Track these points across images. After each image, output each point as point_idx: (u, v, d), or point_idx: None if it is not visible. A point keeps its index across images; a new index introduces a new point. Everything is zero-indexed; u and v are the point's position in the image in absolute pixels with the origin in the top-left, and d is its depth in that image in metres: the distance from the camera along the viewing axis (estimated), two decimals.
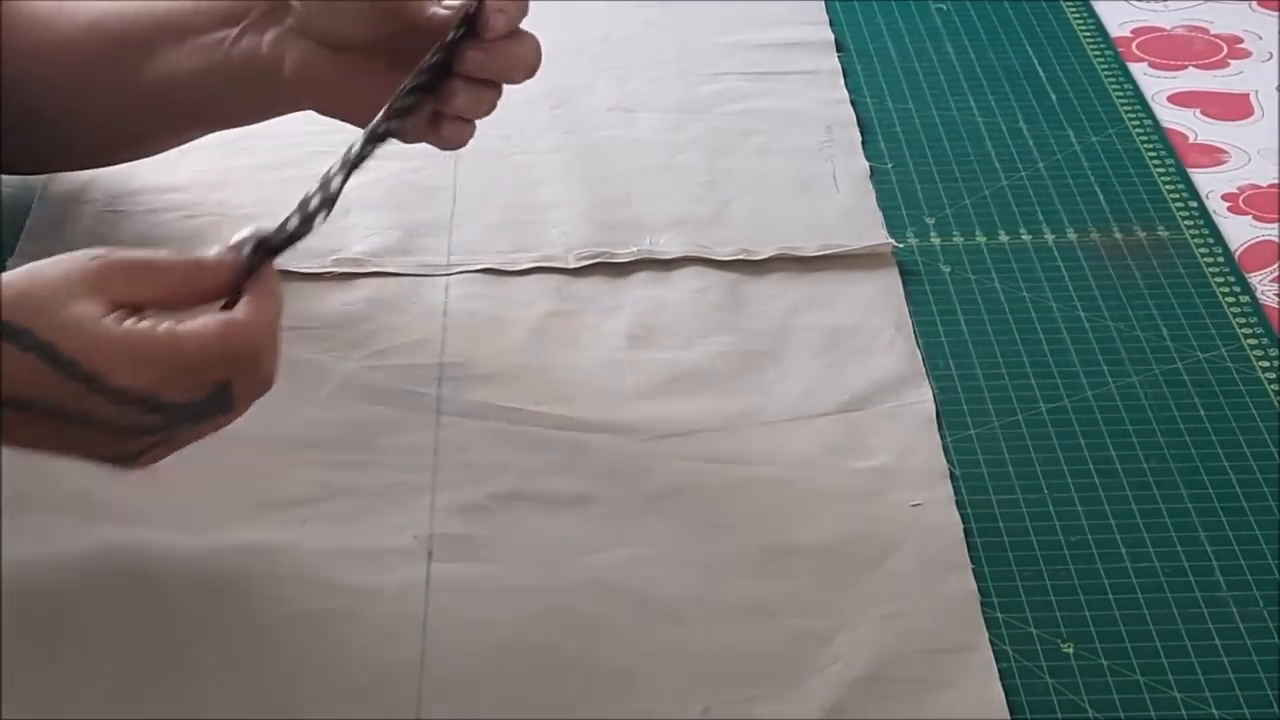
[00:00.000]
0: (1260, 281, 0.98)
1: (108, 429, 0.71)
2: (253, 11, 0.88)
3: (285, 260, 0.96)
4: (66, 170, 1.01)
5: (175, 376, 0.70)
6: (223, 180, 1.03)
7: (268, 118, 0.93)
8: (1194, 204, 1.04)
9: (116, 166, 0.99)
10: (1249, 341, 0.93)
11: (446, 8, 0.85)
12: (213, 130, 0.96)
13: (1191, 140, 1.11)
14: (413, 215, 1.01)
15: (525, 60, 0.85)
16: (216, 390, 0.72)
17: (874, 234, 1.00)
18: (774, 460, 0.84)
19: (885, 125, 1.11)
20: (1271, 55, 1.21)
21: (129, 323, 0.70)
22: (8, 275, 0.72)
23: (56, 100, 0.93)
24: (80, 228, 0.98)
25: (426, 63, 0.81)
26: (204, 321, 0.71)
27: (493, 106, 0.86)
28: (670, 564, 0.78)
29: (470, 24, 0.82)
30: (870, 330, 0.93)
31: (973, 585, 0.77)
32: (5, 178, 1.00)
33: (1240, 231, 1.02)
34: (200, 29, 0.89)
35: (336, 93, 0.87)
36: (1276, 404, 0.89)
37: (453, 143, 0.87)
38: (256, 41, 0.88)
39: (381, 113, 0.79)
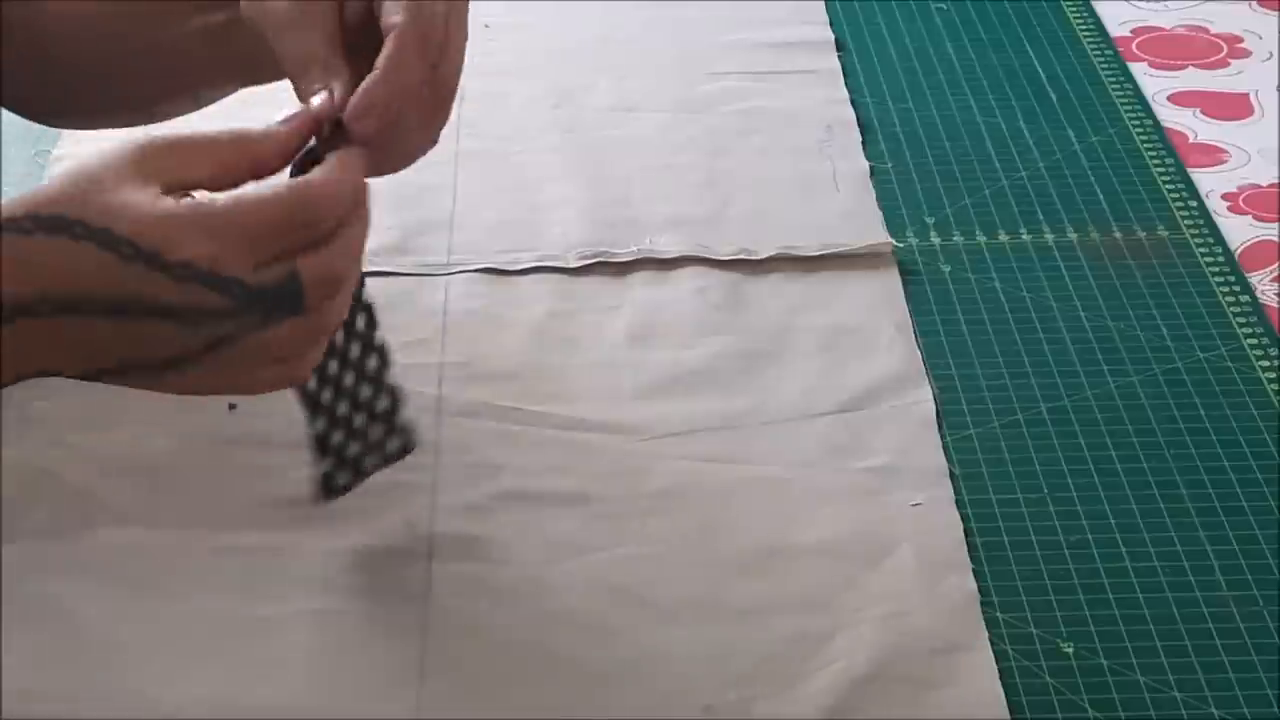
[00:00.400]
0: (1260, 281, 0.98)
1: (170, 318, 0.67)
2: None
3: None
4: (78, 125, 0.98)
5: (240, 246, 0.66)
6: None
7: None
8: (1194, 203, 1.04)
9: None
10: (1249, 341, 0.93)
11: None
12: (228, 89, 0.92)
13: (1191, 140, 1.11)
14: (413, 215, 1.01)
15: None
16: (287, 279, 0.67)
17: (874, 234, 1.00)
18: (774, 460, 0.84)
19: (885, 125, 1.11)
20: (1271, 55, 1.21)
21: (186, 198, 0.67)
22: (50, 180, 0.68)
23: (70, 49, 0.92)
24: None
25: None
26: (267, 185, 0.67)
27: None
28: (670, 564, 0.78)
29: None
30: (870, 330, 0.93)
31: (973, 585, 0.77)
32: (5, 177, 0.99)
33: (1240, 231, 1.02)
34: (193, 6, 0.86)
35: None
36: (1276, 404, 0.89)
37: None
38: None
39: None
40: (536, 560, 0.78)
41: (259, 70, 0.84)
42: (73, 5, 0.90)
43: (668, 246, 0.99)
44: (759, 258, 0.98)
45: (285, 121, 0.71)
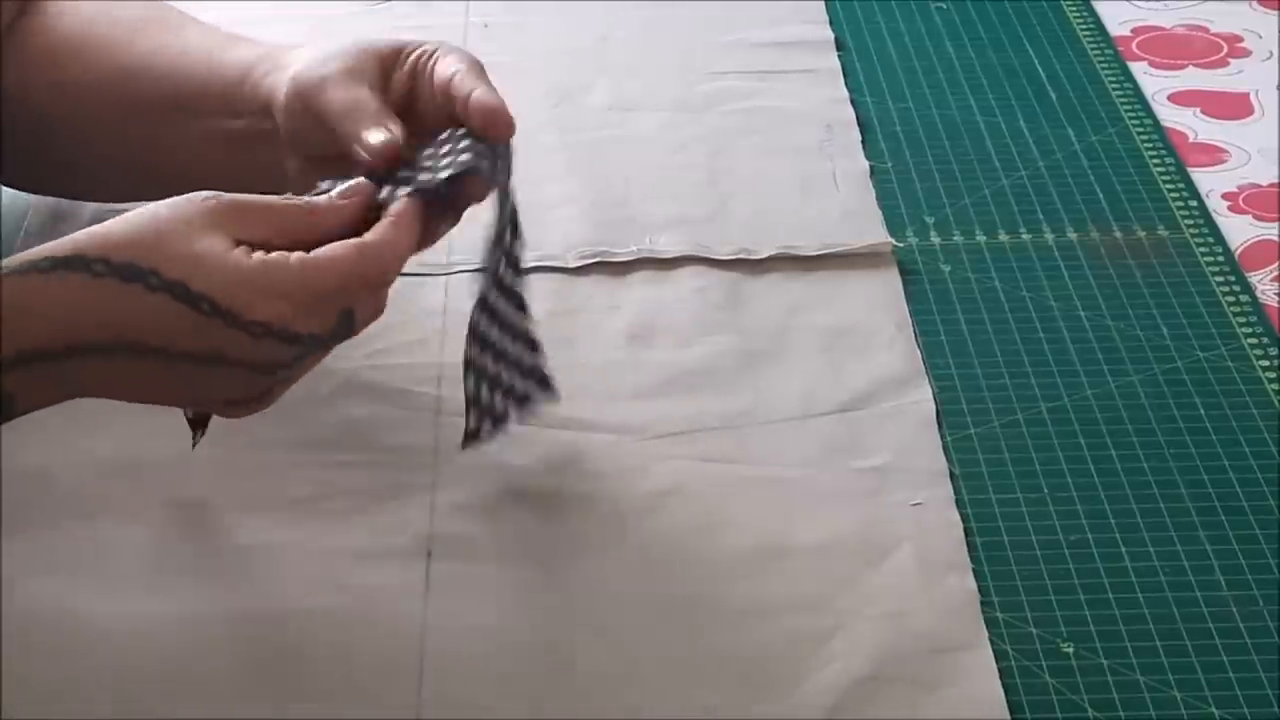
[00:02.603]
0: (1260, 281, 0.98)
1: (242, 366, 0.69)
2: (253, 105, 0.86)
3: None
4: (61, 196, 1.00)
5: (312, 305, 0.70)
6: None
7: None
8: (1194, 203, 1.04)
9: None
10: (1249, 341, 0.93)
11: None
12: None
13: (1191, 139, 1.11)
14: None
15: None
16: (343, 316, 0.71)
17: (874, 233, 1.00)
18: (774, 460, 0.84)
19: (885, 124, 1.11)
20: (1271, 54, 1.21)
21: (258, 255, 0.69)
22: (114, 220, 0.70)
23: (64, 136, 0.93)
24: (80, 227, 0.98)
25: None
26: (336, 247, 0.70)
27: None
28: (670, 564, 0.78)
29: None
30: (870, 330, 0.93)
31: (973, 585, 0.77)
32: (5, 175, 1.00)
33: (1240, 231, 1.02)
34: (207, 111, 0.88)
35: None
36: (1276, 403, 0.89)
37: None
38: (259, 128, 0.86)
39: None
40: (536, 560, 0.78)
41: (276, 181, 0.86)
42: (86, 103, 0.91)
43: (667, 246, 0.98)
44: (759, 257, 0.98)
45: (346, 194, 0.74)
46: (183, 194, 0.87)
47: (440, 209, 0.78)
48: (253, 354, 0.69)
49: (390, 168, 0.76)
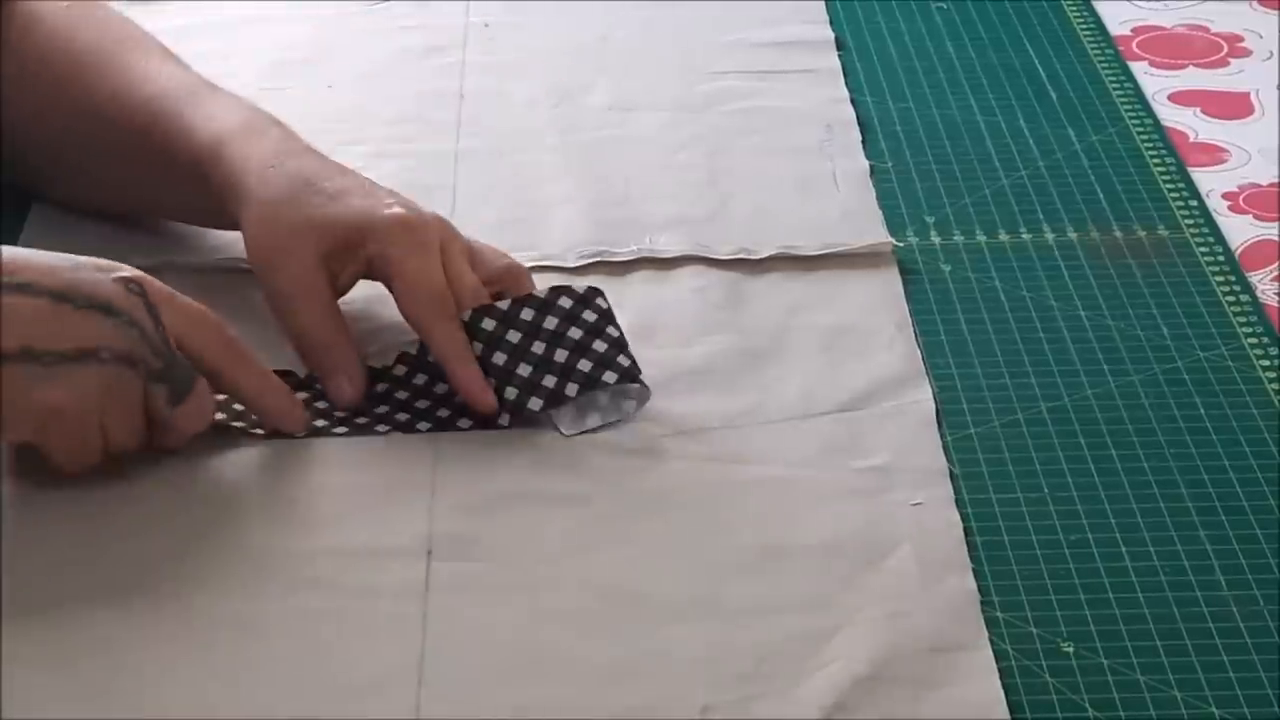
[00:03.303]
0: (1260, 280, 0.98)
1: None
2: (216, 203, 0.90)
3: None
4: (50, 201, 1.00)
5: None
6: None
7: None
8: (1194, 203, 1.04)
9: None
10: (1249, 340, 0.93)
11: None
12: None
13: (1192, 139, 1.11)
14: None
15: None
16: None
17: (874, 233, 1.00)
18: (774, 459, 0.84)
19: (885, 124, 1.11)
20: (1272, 54, 1.21)
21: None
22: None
23: (33, 153, 0.96)
24: (80, 227, 0.98)
25: None
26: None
27: None
28: (670, 564, 0.78)
29: None
30: (870, 329, 0.93)
31: (973, 584, 0.77)
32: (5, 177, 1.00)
33: (1240, 230, 1.02)
34: (177, 161, 0.91)
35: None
36: (1276, 403, 0.89)
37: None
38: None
39: None
40: (536, 560, 0.78)
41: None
42: (52, 131, 0.96)
43: (667, 246, 0.98)
44: (759, 257, 0.98)
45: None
46: (149, 214, 0.98)
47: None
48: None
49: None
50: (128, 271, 0.79)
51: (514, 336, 0.84)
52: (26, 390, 0.75)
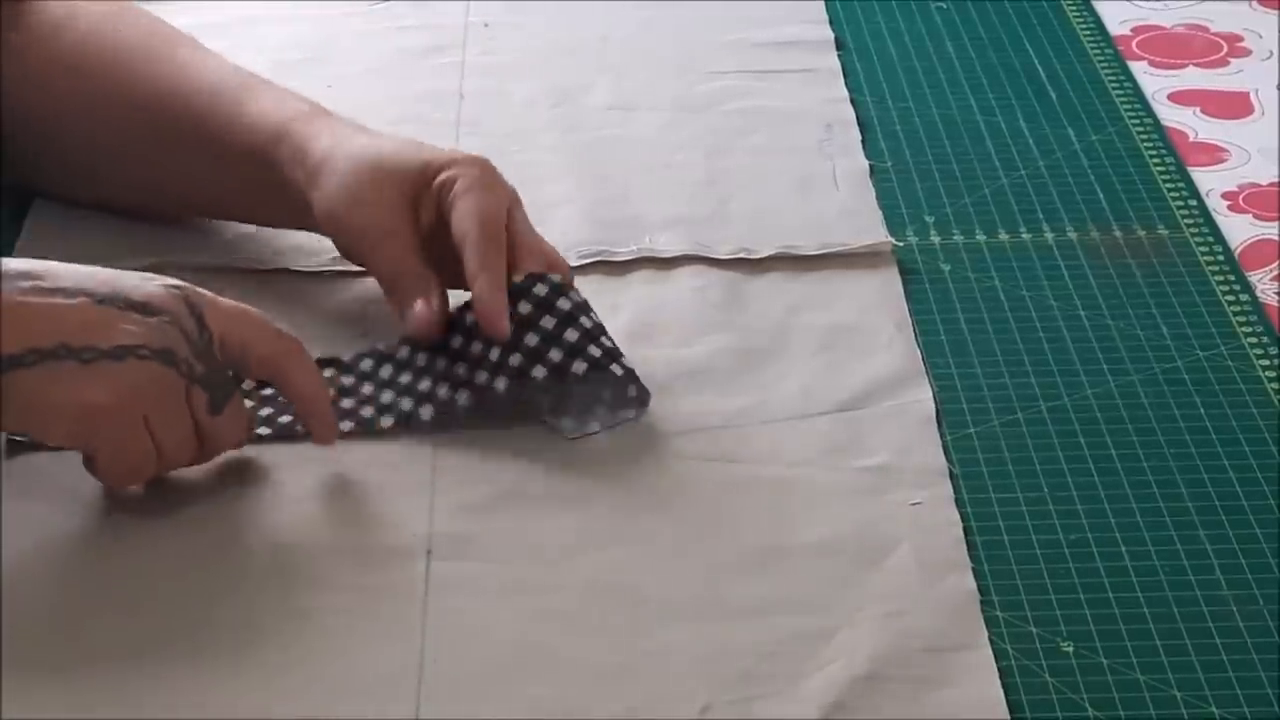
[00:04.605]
0: (1260, 280, 0.98)
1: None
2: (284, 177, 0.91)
3: (286, 260, 0.97)
4: (63, 199, 1.00)
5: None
6: None
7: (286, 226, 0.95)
8: (1194, 202, 1.04)
9: None
10: (1249, 340, 0.93)
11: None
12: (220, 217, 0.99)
13: (1191, 139, 1.11)
14: None
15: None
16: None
17: (873, 233, 1.00)
18: (774, 459, 0.84)
19: (885, 124, 1.11)
20: (1271, 54, 1.21)
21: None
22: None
23: (61, 146, 0.96)
24: (81, 227, 0.98)
25: None
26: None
27: None
28: (670, 564, 0.78)
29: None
30: (870, 329, 0.93)
31: (972, 584, 0.77)
32: (6, 177, 1.00)
33: (1240, 230, 1.02)
34: (234, 150, 0.91)
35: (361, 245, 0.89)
36: (1276, 403, 0.89)
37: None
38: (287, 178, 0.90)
39: None
40: (536, 560, 0.78)
41: (290, 203, 0.91)
42: (88, 121, 0.95)
43: (667, 245, 0.98)
44: (758, 257, 0.98)
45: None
46: (188, 211, 0.97)
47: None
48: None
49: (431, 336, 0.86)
50: (169, 279, 0.79)
51: (548, 322, 0.84)
52: (65, 388, 0.75)
